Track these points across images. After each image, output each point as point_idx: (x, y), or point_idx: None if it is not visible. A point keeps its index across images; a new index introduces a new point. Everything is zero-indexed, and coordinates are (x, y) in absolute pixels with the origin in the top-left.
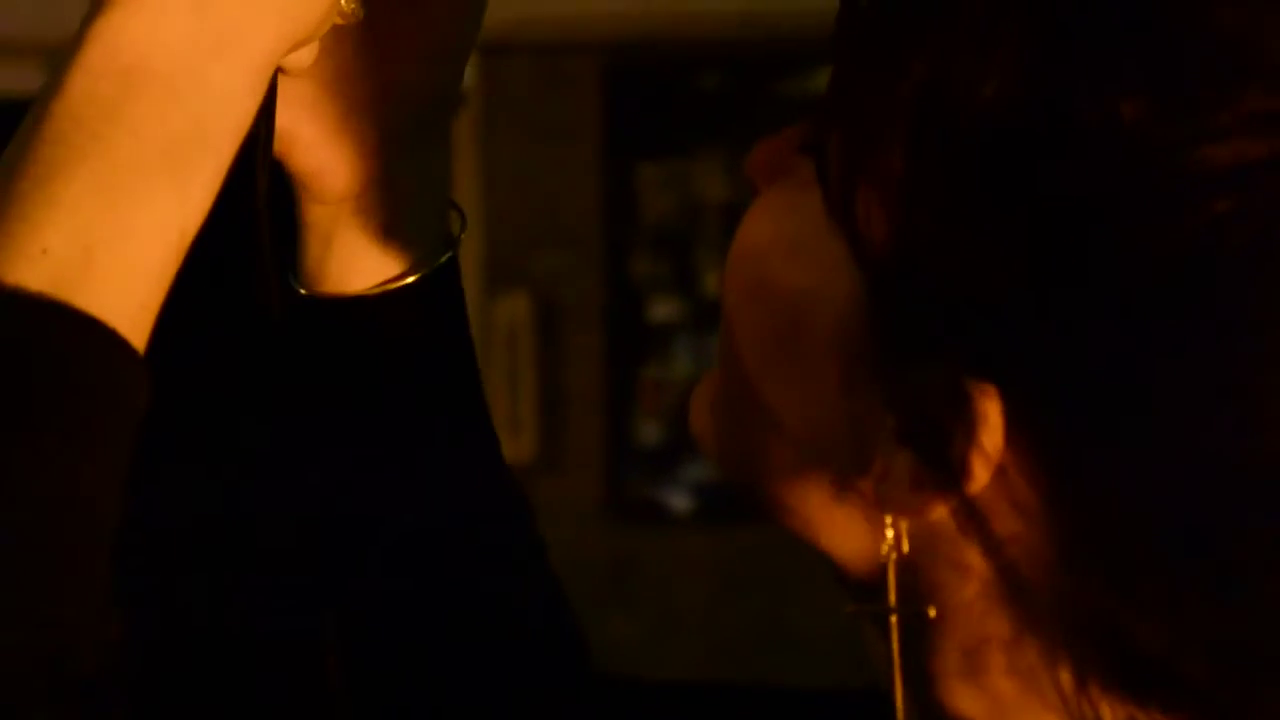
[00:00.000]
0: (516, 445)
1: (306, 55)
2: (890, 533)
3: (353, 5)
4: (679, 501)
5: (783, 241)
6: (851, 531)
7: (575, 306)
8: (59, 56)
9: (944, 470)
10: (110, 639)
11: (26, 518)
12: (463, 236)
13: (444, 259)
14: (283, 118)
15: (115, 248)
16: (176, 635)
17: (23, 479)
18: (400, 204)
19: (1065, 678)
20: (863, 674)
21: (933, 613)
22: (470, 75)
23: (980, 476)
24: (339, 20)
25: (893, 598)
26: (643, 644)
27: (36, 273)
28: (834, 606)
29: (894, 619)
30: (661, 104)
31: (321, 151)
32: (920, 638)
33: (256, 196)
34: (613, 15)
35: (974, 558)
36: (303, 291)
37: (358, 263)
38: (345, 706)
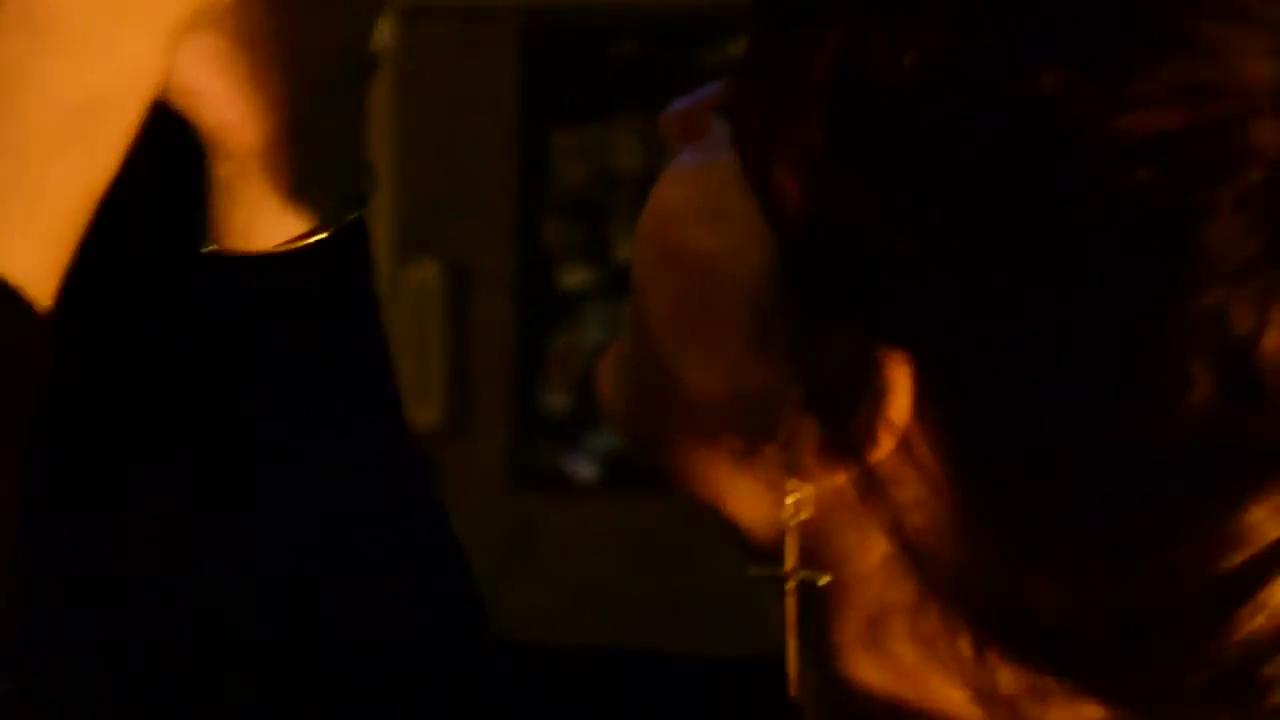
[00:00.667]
0: (424, 411)
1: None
2: (792, 499)
3: None
4: (585, 470)
5: (696, 205)
6: (755, 497)
7: (486, 273)
8: None
9: (849, 436)
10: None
11: None
12: (374, 202)
13: (351, 218)
14: (190, 72)
15: (21, 208)
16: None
17: None
18: (308, 162)
19: (965, 645)
20: (761, 639)
21: (828, 580)
22: (387, 39)
23: (885, 444)
24: None
25: (790, 563)
26: (546, 611)
27: None
28: (737, 577)
29: (791, 585)
30: (578, 70)
31: (228, 106)
32: (822, 605)
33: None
34: None
35: (877, 525)
36: (210, 247)
37: (264, 220)
38: (235, 673)
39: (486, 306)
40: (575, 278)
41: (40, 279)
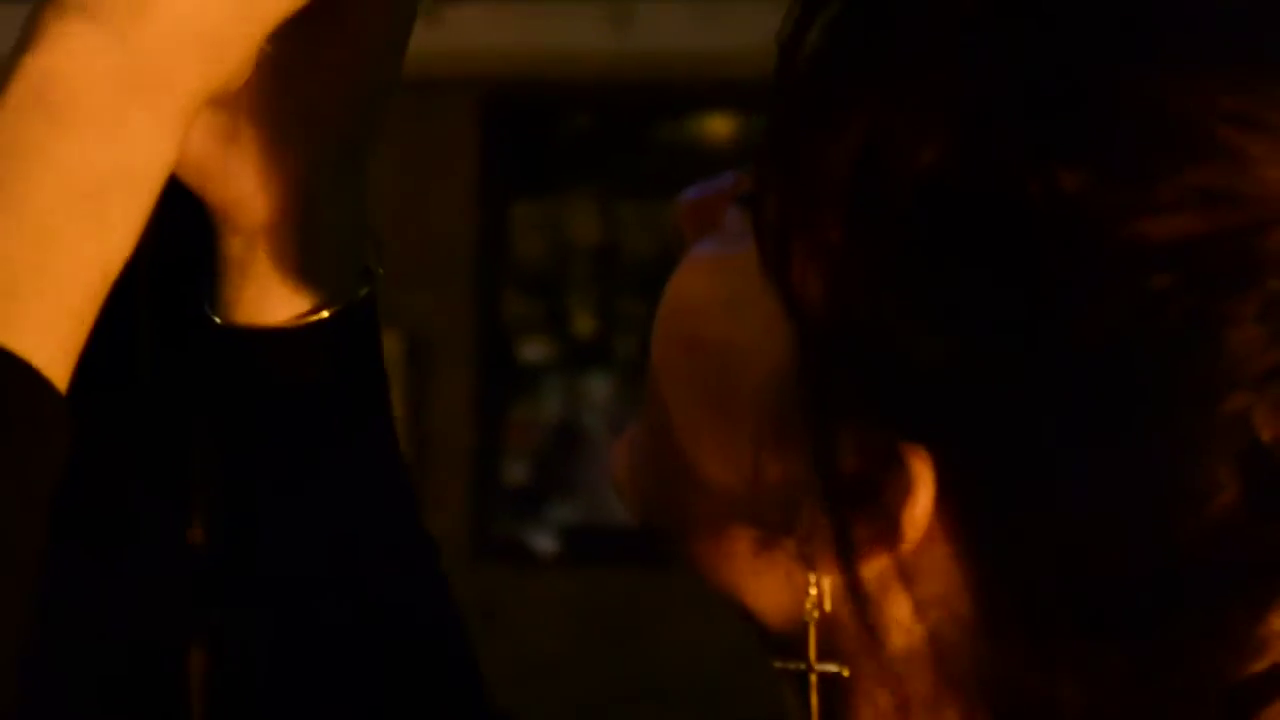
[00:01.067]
0: None
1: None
2: (814, 591)
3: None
4: (544, 542)
5: (715, 296)
6: (774, 588)
7: (445, 345)
8: None
9: (869, 532)
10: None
11: None
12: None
13: (362, 294)
14: (199, 149)
15: (38, 286)
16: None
17: None
18: (317, 237)
19: None
20: (717, 715)
21: (849, 673)
22: None
23: (907, 540)
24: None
25: (813, 656)
26: (506, 680)
27: None
28: (694, 652)
29: (814, 678)
30: (535, 143)
31: (237, 182)
32: (839, 697)
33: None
34: (489, 53)
35: (898, 618)
36: (218, 321)
37: (274, 294)
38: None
39: (446, 378)
40: (534, 351)
41: (56, 357)
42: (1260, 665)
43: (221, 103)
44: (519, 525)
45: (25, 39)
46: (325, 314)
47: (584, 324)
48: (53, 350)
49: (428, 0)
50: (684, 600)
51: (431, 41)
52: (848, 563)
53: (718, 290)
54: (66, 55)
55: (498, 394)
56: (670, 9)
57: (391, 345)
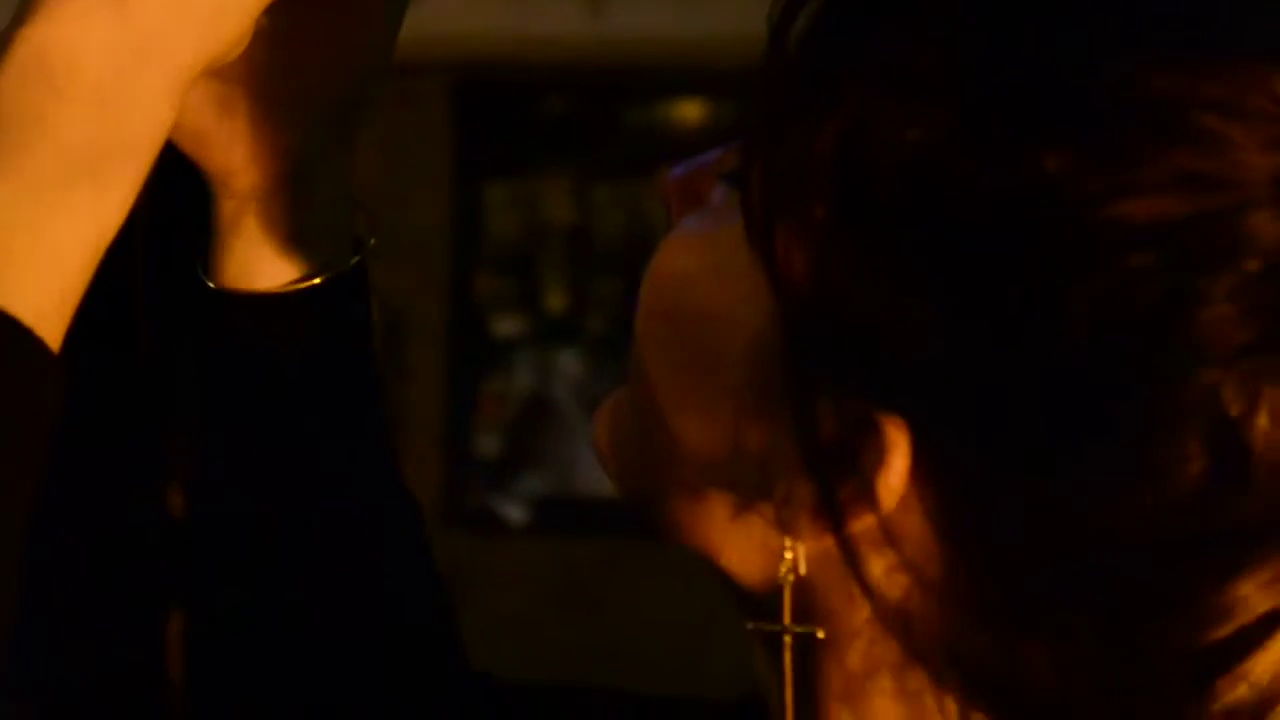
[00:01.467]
0: None
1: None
2: (789, 555)
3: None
4: (514, 512)
5: (701, 270)
6: (750, 552)
7: (419, 321)
8: None
9: (844, 498)
10: None
11: None
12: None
13: (352, 262)
14: (195, 117)
15: (35, 248)
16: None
17: None
18: (308, 206)
19: (950, 706)
20: (686, 687)
21: (822, 635)
22: None
23: (884, 505)
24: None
25: (787, 618)
26: (476, 646)
27: None
28: (661, 620)
29: (787, 639)
30: (509, 125)
31: (231, 151)
32: (810, 658)
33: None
34: (462, 36)
35: (870, 583)
36: (211, 285)
37: (265, 261)
38: (192, 709)
39: (420, 353)
40: (506, 326)
41: (50, 318)
42: (1224, 631)
43: (218, 73)
44: (491, 495)
45: (24, 10)
46: (316, 281)
47: (556, 301)
48: (46, 309)
49: None
50: (649, 569)
51: (408, 24)
52: (834, 524)
53: (703, 263)
54: (65, 25)
55: (471, 368)
56: None
57: None
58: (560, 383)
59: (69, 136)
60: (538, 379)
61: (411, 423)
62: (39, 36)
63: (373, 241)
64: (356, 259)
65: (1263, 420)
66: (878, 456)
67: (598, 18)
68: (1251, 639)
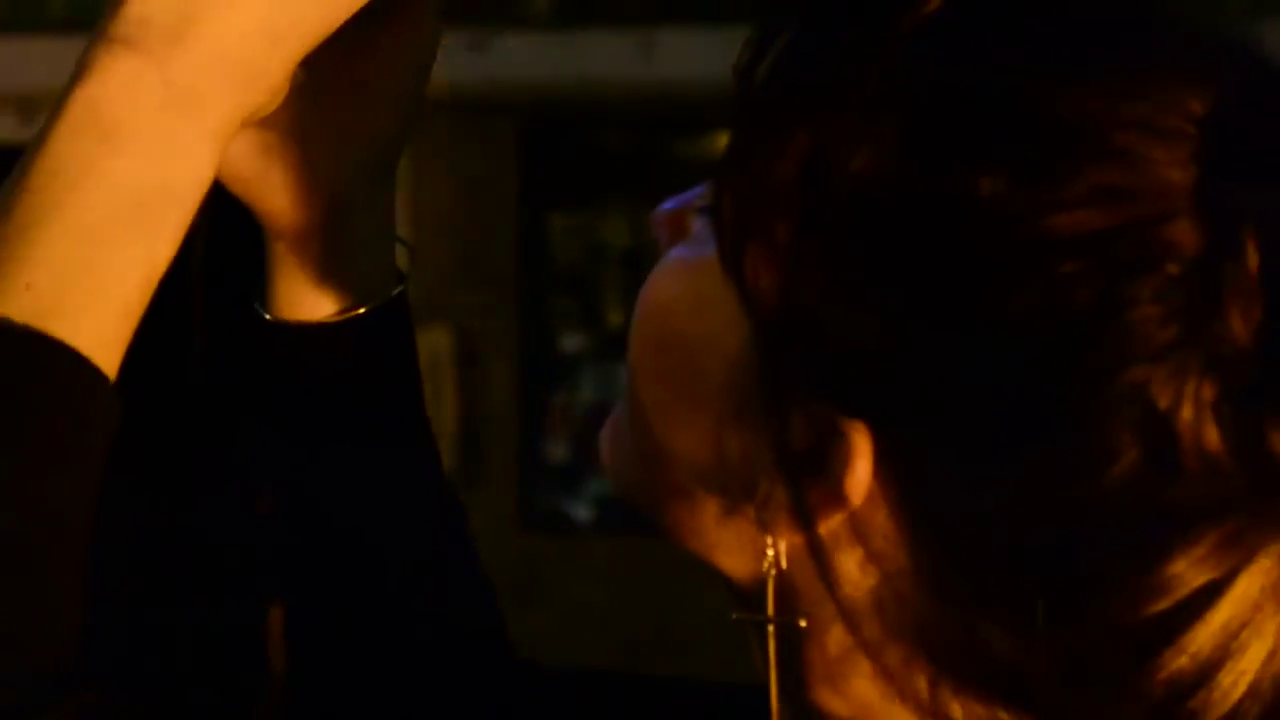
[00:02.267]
0: None
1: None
2: (770, 551)
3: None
4: (583, 512)
5: (684, 296)
6: (737, 549)
7: (493, 339)
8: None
9: (815, 498)
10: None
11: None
12: None
13: (395, 292)
14: (244, 163)
15: (90, 287)
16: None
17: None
18: (351, 243)
19: (922, 681)
20: (741, 671)
21: (805, 623)
22: None
23: (852, 502)
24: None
25: (771, 608)
26: (548, 637)
27: (21, 305)
28: (717, 609)
29: (771, 628)
30: (570, 160)
31: (277, 194)
32: (795, 644)
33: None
34: (527, 81)
35: (845, 573)
36: (267, 317)
37: (313, 293)
38: (288, 693)
39: (494, 368)
40: (572, 343)
41: (107, 349)
42: (1163, 606)
43: (260, 123)
44: (561, 498)
45: (77, 71)
46: (360, 310)
47: (616, 318)
48: (102, 341)
49: (476, 32)
50: (703, 564)
51: (480, 71)
52: (805, 523)
53: (685, 290)
54: (113, 83)
55: (540, 382)
56: (690, 40)
57: (444, 340)
58: (622, 393)
59: (117, 184)
60: (601, 390)
61: (488, 434)
62: (89, 95)
63: (406, 275)
64: (399, 289)
65: (1188, 412)
66: (844, 459)
67: (649, 61)
68: (1189, 613)
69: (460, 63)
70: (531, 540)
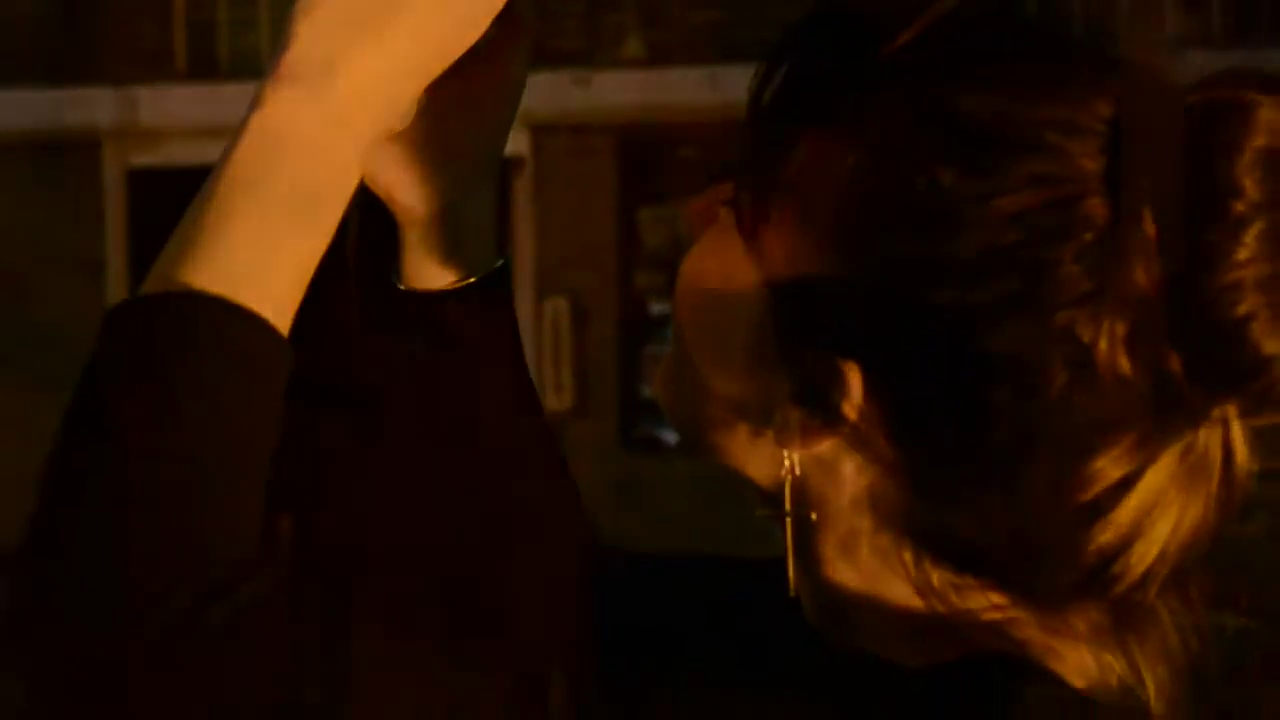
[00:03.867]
0: (559, 400)
1: (399, 125)
2: (788, 462)
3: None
4: (671, 436)
5: (714, 270)
6: (763, 462)
7: (598, 306)
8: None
9: (822, 420)
10: (248, 555)
11: (202, 451)
12: (518, 260)
13: (497, 265)
14: (377, 168)
15: (269, 265)
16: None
17: (201, 421)
18: (462, 227)
19: (908, 556)
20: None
21: (815, 516)
22: (525, 147)
23: (849, 422)
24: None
25: (788, 505)
26: (648, 540)
27: (215, 280)
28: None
29: (789, 520)
30: (656, 167)
31: (405, 191)
32: (810, 532)
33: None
34: (621, 106)
35: (846, 477)
36: (400, 286)
37: (432, 267)
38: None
39: (599, 329)
40: (659, 308)
41: (284, 314)
42: (1091, 493)
43: (392, 138)
44: (654, 426)
45: (252, 103)
46: (471, 280)
47: None
48: (278, 309)
49: (581, 71)
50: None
51: (584, 100)
52: (814, 436)
53: (715, 265)
54: (280, 110)
55: (635, 338)
56: (747, 73)
57: (563, 306)
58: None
59: (287, 186)
60: None
61: (596, 377)
62: (263, 119)
63: (508, 253)
64: (501, 261)
65: (1104, 344)
66: (842, 390)
67: (715, 89)
68: (1111, 498)
69: (570, 95)
70: (631, 459)
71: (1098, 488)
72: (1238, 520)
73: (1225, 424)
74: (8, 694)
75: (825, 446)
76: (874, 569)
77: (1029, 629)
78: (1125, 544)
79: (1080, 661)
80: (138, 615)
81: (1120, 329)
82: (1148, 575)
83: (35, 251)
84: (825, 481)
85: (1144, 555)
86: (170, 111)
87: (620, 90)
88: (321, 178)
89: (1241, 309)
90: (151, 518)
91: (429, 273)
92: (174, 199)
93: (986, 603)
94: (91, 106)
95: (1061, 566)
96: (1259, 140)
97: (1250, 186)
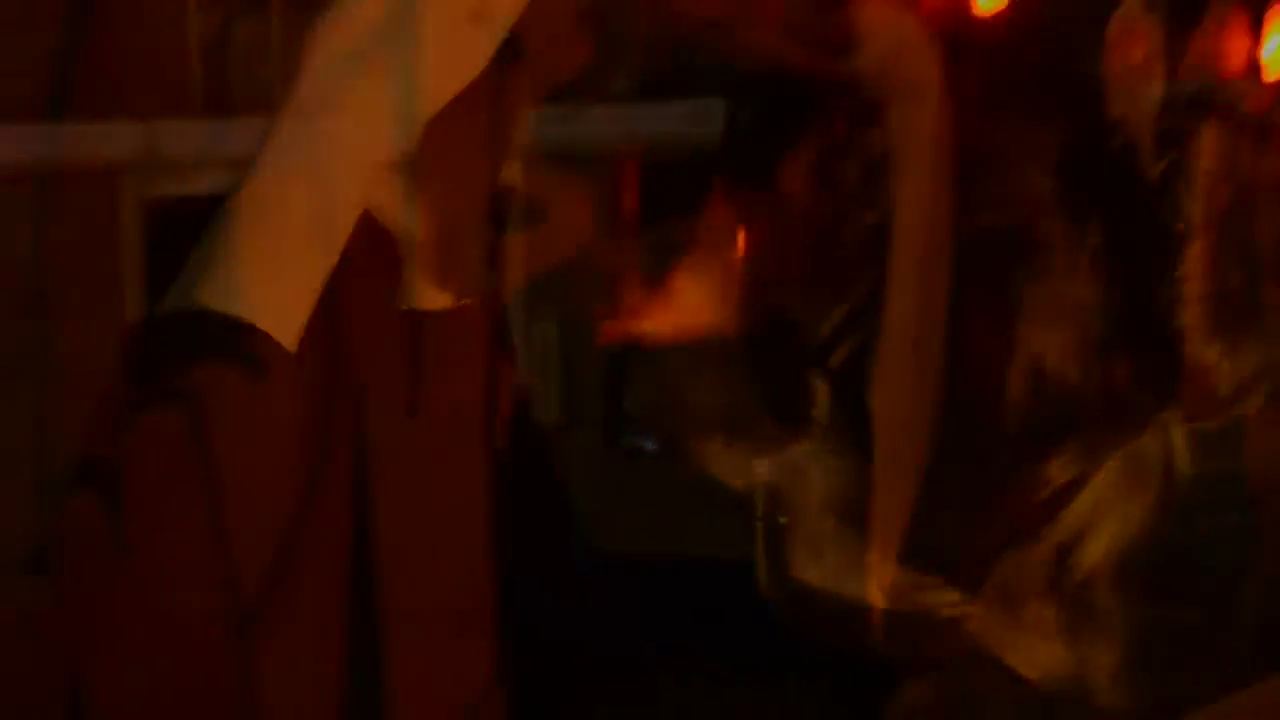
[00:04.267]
0: (548, 411)
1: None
2: (760, 468)
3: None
4: (652, 446)
5: (698, 288)
6: (740, 471)
7: (586, 325)
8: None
9: (793, 428)
10: None
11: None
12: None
13: (489, 288)
14: (382, 200)
15: (283, 291)
16: None
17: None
18: (458, 255)
19: (872, 558)
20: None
21: (784, 520)
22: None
23: (817, 431)
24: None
25: (759, 510)
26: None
27: (229, 302)
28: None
29: (760, 524)
30: (642, 194)
31: (408, 217)
32: (779, 536)
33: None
34: (608, 139)
35: (814, 482)
36: (403, 307)
37: (434, 288)
38: None
39: (586, 346)
40: (643, 326)
41: (293, 328)
42: (1045, 494)
43: (392, 170)
44: (636, 436)
45: (265, 136)
46: (465, 301)
47: None
48: (290, 324)
49: (570, 107)
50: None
51: (573, 133)
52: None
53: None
54: (290, 142)
55: (620, 358)
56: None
57: (551, 326)
58: None
59: (297, 217)
60: None
61: (582, 391)
62: (276, 151)
63: (497, 278)
64: (490, 287)
65: (1054, 354)
66: (810, 399)
67: (696, 124)
68: (1062, 499)
69: (559, 130)
70: (614, 467)
71: (1050, 489)
72: (1178, 520)
73: (1166, 429)
74: None
75: (795, 453)
76: (839, 570)
77: (985, 624)
78: (1077, 540)
79: (1033, 654)
80: None
81: (1069, 339)
82: (1097, 569)
83: (55, 277)
84: (795, 486)
85: (1093, 551)
86: (187, 143)
87: (606, 125)
88: (329, 207)
89: (1183, 320)
90: None
91: (428, 294)
92: (189, 227)
93: (945, 600)
94: (111, 139)
95: (1016, 565)
96: (1204, 164)
97: (1192, 207)
